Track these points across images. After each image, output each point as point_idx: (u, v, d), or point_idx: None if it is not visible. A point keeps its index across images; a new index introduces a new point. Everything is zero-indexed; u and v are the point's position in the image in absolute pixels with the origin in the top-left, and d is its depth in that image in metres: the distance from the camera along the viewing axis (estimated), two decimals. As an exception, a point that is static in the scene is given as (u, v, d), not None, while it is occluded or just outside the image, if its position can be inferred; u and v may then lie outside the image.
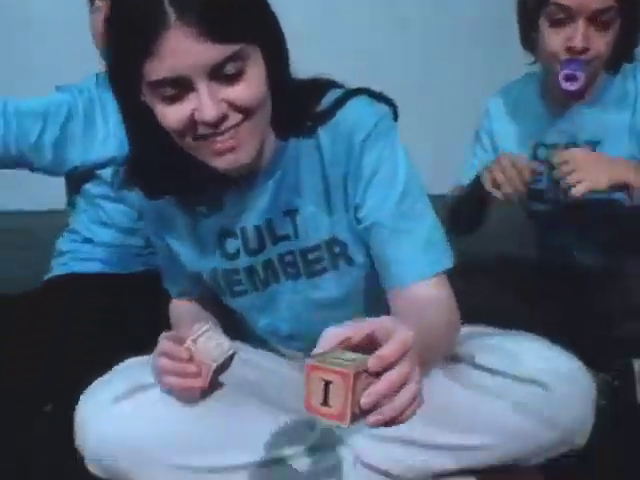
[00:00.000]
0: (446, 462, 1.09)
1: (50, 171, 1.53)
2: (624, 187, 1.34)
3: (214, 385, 1.08)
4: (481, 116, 1.68)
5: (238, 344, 1.16)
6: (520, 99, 1.62)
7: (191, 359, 1.02)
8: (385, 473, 1.10)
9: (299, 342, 1.21)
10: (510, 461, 1.09)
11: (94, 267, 1.59)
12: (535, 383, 1.04)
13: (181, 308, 1.28)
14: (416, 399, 0.71)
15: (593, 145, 1.48)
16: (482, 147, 1.66)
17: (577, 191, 1.31)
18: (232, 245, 1.13)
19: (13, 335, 1.36)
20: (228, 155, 0.97)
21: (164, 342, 1.04)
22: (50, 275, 1.62)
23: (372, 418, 0.70)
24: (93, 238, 1.60)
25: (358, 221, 1.06)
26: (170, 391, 1.06)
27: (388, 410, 0.69)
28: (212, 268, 1.16)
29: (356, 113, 1.03)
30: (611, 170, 1.33)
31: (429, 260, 1.03)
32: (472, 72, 3.18)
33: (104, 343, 1.38)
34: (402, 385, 0.70)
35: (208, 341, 1.03)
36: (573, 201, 1.37)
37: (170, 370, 1.02)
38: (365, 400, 0.69)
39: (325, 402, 0.68)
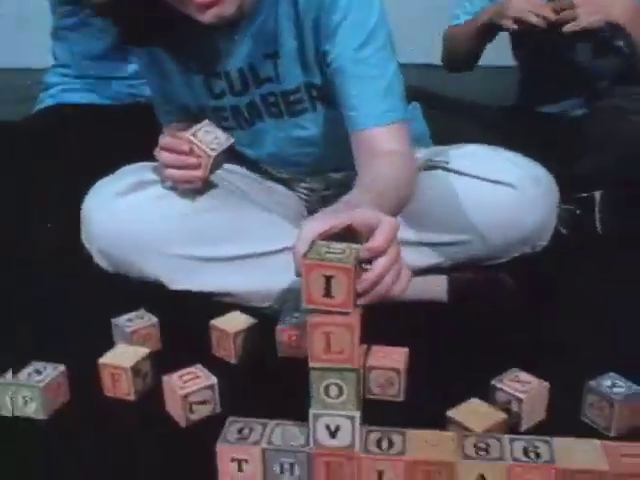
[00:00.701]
0: (423, 258, 1.19)
1: None
2: (619, 29, 1.40)
3: (211, 182, 1.16)
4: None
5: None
6: None
7: (191, 152, 1.09)
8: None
9: (283, 169, 1.29)
10: (481, 258, 1.19)
11: (84, 98, 1.64)
12: (505, 184, 1.13)
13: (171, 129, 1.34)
14: (402, 275, 0.80)
15: None
16: None
17: (571, 27, 1.37)
18: (218, 86, 1.19)
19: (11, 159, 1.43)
20: (213, 9, 1.01)
21: (165, 137, 1.10)
22: (40, 106, 1.66)
23: (366, 298, 0.77)
24: (81, 71, 1.63)
25: (327, 65, 1.11)
26: (171, 188, 1.14)
27: (380, 289, 0.78)
28: (201, 105, 1.22)
29: None
30: (606, 5, 1.40)
31: (387, 107, 1.08)
32: None
33: (96, 169, 1.43)
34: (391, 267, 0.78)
35: (206, 134, 1.10)
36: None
37: (172, 163, 1.10)
38: (361, 286, 0.76)
39: (327, 294, 0.74)
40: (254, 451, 0.82)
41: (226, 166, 1.23)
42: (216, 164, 1.12)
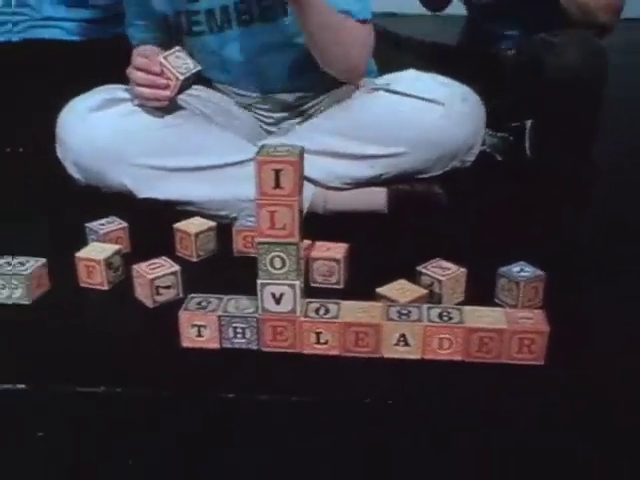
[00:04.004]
0: (364, 170, 1.34)
1: None
2: None
3: (176, 103, 1.29)
4: None
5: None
6: None
7: (162, 73, 1.22)
8: (314, 182, 1.35)
9: (243, 85, 1.41)
10: (416, 170, 1.34)
11: (50, 34, 1.72)
12: (435, 102, 1.28)
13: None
14: None
15: None
16: None
17: None
18: None
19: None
20: None
21: (138, 58, 1.23)
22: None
23: None
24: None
25: None
26: (139, 105, 1.26)
27: None
28: (176, 9, 1.33)
29: None
30: None
31: (358, 8, 1.25)
32: None
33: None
34: None
35: (177, 59, 1.24)
36: None
37: (143, 81, 1.23)
38: None
39: (277, 185, 0.89)
40: (211, 318, 0.97)
41: (190, 91, 1.36)
42: (183, 87, 1.25)
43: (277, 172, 0.88)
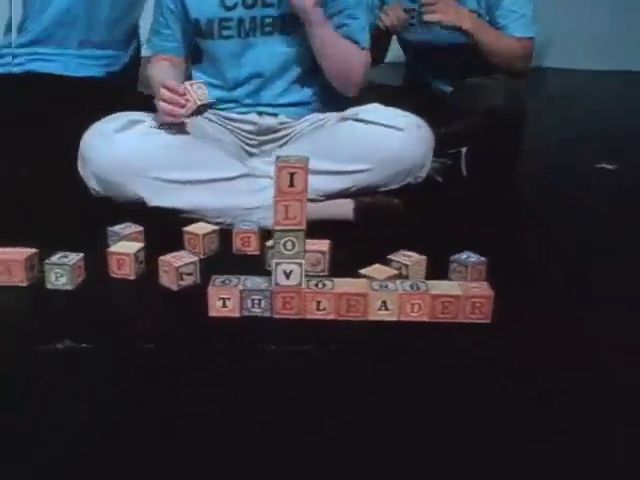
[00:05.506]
0: (335, 184, 1.62)
1: None
2: (464, 32, 1.90)
3: (186, 125, 1.57)
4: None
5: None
6: None
7: (183, 95, 1.50)
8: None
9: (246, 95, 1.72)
10: (378, 184, 1.64)
11: (53, 68, 1.90)
12: (396, 128, 1.59)
13: (163, 63, 1.74)
14: None
15: None
16: None
17: (429, 17, 1.86)
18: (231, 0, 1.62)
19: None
20: None
21: (169, 81, 1.52)
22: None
23: None
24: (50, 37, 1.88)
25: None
26: (154, 126, 1.54)
27: None
28: (209, 18, 1.65)
29: None
30: (458, 15, 1.90)
31: (363, 38, 1.66)
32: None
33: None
34: None
35: (198, 89, 1.53)
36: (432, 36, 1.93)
37: (167, 98, 1.51)
38: None
39: (291, 185, 1.18)
40: (234, 291, 1.24)
41: (192, 120, 1.64)
42: (195, 112, 1.53)
43: (291, 175, 1.17)
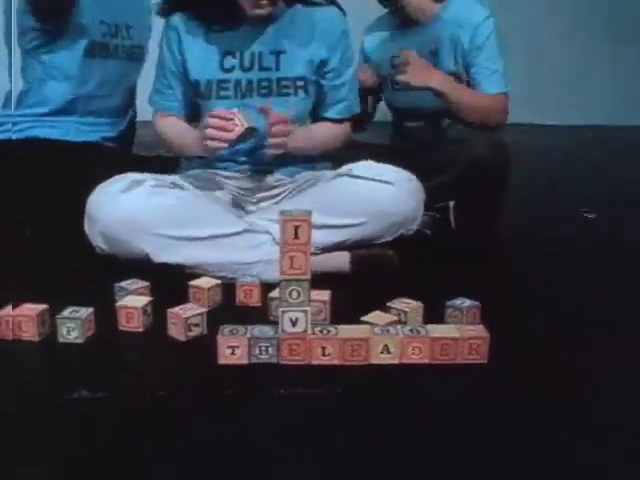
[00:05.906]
0: (331, 238, 1.69)
1: None
2: (435, 93, 2.00)
3: (191, 193, 1.66)
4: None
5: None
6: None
7: (232, 120, 1.59)
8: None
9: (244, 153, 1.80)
10: (372, 236, 1.72)
11: (53, 133, 2.00)
12: (388, 183, 1.68)
13: (170, 118, 1.84)
14: None
15: (432, 55, 2.12)
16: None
17: (399, 78, 1.97)
18: (229, 62, 1.74)
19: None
20: (267, 7, 1.62)
21: (217, 109, 1.62)
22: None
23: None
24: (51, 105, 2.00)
25: (320, 73, 1.77)
26: (156, 185, 1.61)
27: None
28: (209, 79, 1.75)
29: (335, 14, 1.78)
30: (428, 75, 2.00)
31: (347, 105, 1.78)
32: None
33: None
34: None
35: (244, 116, 1.61)
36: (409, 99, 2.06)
37: (215, 124, 1.59)
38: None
39: (296, 237, 1.25)
40: (242, 339, 1.30)
41: (191, 181, 1.72)
42: (241, 136, 1.61)
43: (296, 228, 1.24)
